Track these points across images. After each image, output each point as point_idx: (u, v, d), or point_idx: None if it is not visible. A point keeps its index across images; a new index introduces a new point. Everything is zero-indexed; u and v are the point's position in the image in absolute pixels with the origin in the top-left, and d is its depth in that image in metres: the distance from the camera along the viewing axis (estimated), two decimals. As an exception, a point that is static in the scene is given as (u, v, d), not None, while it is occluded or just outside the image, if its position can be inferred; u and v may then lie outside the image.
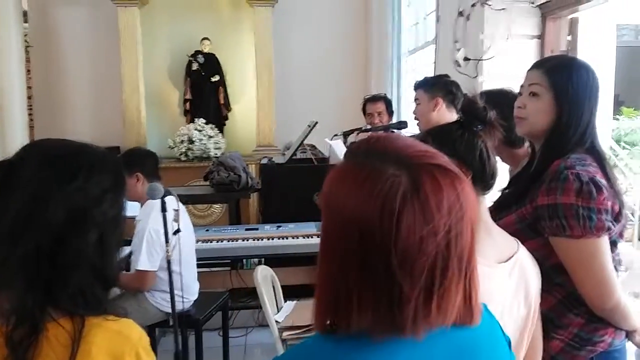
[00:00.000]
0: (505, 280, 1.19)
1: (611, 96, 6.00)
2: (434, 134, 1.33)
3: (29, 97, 6.05)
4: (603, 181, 1.37)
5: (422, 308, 0.71)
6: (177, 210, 2.26)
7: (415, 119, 2.75)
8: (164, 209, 2.19)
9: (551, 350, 1.38)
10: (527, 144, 1.61)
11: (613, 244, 1.42)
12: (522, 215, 1.42)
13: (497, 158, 1.66)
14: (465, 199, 0.73)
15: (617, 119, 7.44)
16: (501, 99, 1.61)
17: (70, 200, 0.93)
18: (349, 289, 0.72)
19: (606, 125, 6.01)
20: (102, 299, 0.96)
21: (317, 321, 0.77)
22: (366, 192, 0.71)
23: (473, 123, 1.24)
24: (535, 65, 1.52)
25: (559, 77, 1.45)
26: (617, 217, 1.39)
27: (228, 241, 3.72)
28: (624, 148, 6.88)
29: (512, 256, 1.22)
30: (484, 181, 1.22)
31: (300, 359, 0.76)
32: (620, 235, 1.45)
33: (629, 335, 1.48)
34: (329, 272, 0.75)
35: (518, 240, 1.28)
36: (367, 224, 0.70)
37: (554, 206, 1.35)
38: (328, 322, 0.76)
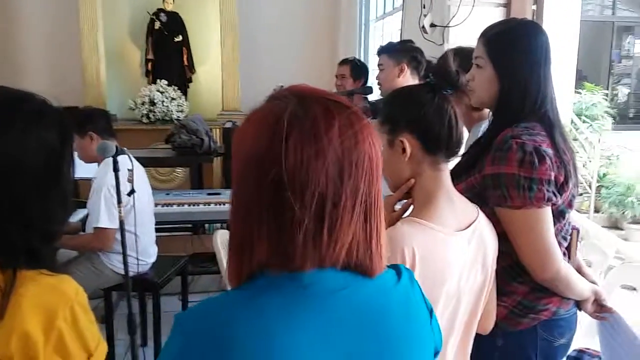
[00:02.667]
0: (464, 248, 1.19)
1: (574, 69, 6.10)
2: (399, 95, 1.30)
3: (-18, 54, 5.80)
4: (549, 150, 1.35)
5: (311, 236, 0.70)
6: (131, 170, 2.19)
7: (378, 84, 2.72)
8: (115, 169, 2.12)
9: (496, 316, 1.38)
10: (487, 110, 1.60)
11: (561, 214, 1.42)
12: (470, 185, 1.41)
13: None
14: (362, 133, 0.73)
15: (580, 93, 7.56)
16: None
17: (6, 149, 0.89)
18: (251, 227, 0.72)
19: (568, 98, 6.12)
20: (40, 254, 0.93)
21: (229, 275, 0.76)
22: (260, 123, 0.72)
23: (444, 87, 1.22)
24: (481, 35, 1.49)
25: (495, 48, 1.43)
26: (562, 187, 1.38)
27: (189, 205, 3.67)
28: (584, 122, 7.02)
29: (471, 223, 1.23)
30: (449, 148, 1.21)
31: (199, 311, 0.73)
32: (569, 205, 1.44)
33: (580, 304, 1.50)
34: (236, 220, 0.74)
35: (478, 208, 1.28)
36: (259, 151, 0.70)
37: (497, 176, 1.34)
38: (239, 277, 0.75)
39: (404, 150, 1.19)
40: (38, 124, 0.94)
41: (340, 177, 0.70)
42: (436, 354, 0.87)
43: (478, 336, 1.32)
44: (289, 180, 0.68)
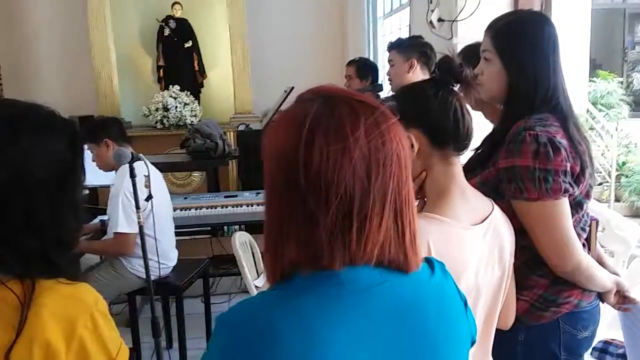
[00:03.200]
0: (480, 242, 1.19)
1: (587, 58, 6.03)
2: (405, 91, 1.31)
3: (-3, 67, 5.88)
4: (563, 141, 1.34)
5: (339, 234, 0.70)
6: (147, 176, 2.21)
7: (389, 80, 2.73)
8: (132, 175, 2.13)
9: (517, 311, 1.38)
10: None
11: (578, 205, 1.41)
12: (485, 178, 1.40)
13: (480, 114, 1.65)
14: (389, 132, 0.73)
15: (594, 82, 7.46)
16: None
17: (14, 161, 0.90)
18: (281, 226, 0.73)
19: (582, 87, 6.05)
20: (57, 262, 0.93)
21: (267, 273, 0.77)
22: (287, 125, 0.73)
23: (448, 80, 1.22)
24: (487, 28, 1.49)
25: (502, 41, 1.43)
26: (578, 177, 1.36)
27: (207, 208, 3.68)
28: (600, 110, 6.93)
29: (486, 217, 1.22)
30: (458, 141, 1.20)
31: (240, 312, 0.75)
32: (587, 195, 1.42)
33: (603, 296, 1.48)
34: (269, 220, 0.75)
35: (493, 201, 1.28)
36: (286, 152, 0.71)
37: (512, 168, 1.33)
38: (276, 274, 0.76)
39: (412, 145, 1.19)
40: (46, 135, 0.95)
41: (368, 176, 0.70)
42: (473, 343, 0.87)
43: (500, 331, 1.31)
44: (314, 179, 0.69)
